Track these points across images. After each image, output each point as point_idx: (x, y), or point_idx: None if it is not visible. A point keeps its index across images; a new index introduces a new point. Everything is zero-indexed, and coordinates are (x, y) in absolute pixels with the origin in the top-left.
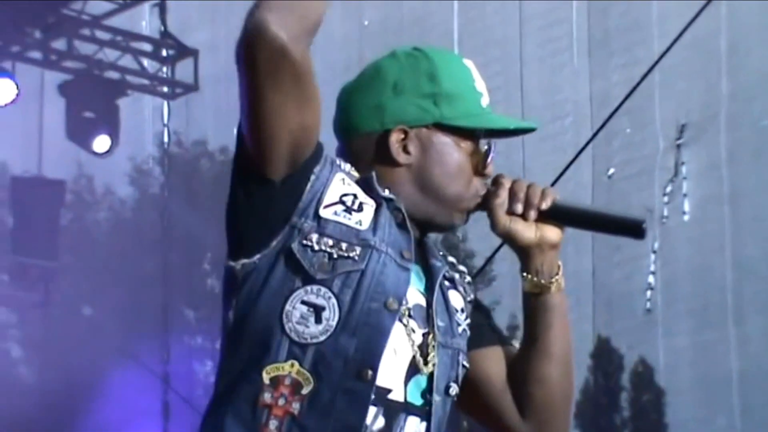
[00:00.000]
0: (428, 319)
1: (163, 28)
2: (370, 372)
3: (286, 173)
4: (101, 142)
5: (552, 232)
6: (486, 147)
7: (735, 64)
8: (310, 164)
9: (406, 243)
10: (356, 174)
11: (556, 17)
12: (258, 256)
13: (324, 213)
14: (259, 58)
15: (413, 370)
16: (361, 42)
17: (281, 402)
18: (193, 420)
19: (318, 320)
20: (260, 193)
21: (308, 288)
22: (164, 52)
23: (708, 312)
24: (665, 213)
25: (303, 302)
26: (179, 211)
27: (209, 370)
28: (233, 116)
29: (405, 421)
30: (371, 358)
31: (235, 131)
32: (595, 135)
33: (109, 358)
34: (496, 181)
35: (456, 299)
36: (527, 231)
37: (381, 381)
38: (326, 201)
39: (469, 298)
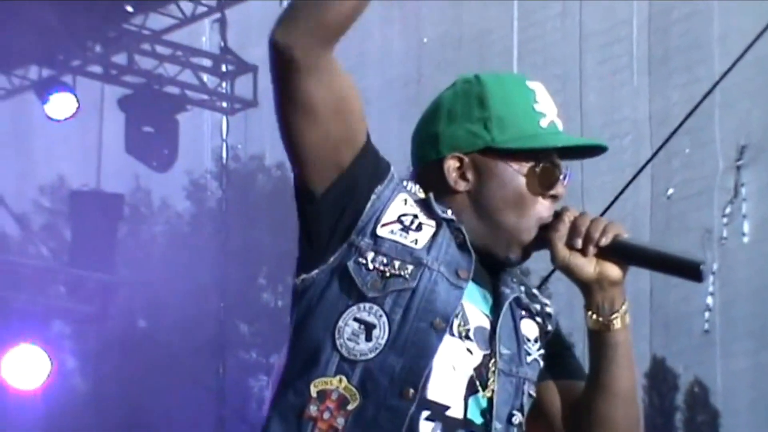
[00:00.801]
0: (491, 343)
1: (223, 44)
2: (411, 391)
3: (330, 184)
4: (160, 157)
5: (612, 270)
6: (548, 166)
7: None
8: (365, 182)
9: (465, 263)
10: (421, 195)
11: (616, 35)
12: (316, 271)
13: (381, 232)
14: (276, 75)
15: (472, 388)
16: (420, 59)
17: (326, 416)
18: None
19: (368, 338)
20: (311, 209)
21: (361, 305)
22: (224, 68)
23: (767, 333)
24: (724, 234)
25: (355, 319)
26: (236, 225)
27: (263, 384)
28: None
29: None
30: (414, 377)
31: None
32: (654, 155)
33: (164, 372)
34: (559, 214)
35: (529, 328)
36: (586, 266)
37: (438, 397)
38: (384, 220)
39: (546, 330)
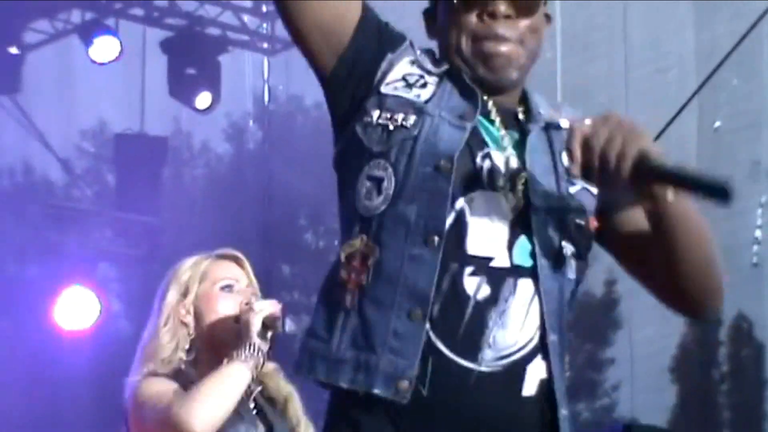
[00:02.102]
0: (518, 181)
1: None
2: (436, 238)
3: (335, 63)
4: (203, 99)
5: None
6: None
7: None
8: (380, 51)
9: (471, 108)
10: (430, 62)
11: None
12: (338, 148)
13: (384, 89)
14: None
15: (515, 232)
16: None
17: (353, 275)
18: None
19: (379, 192)
20: (327, 91)
21: (371, 163)
22: (264, 8)
23: None
24: None
25: (368, 177)
26: (277, 167)
27: (305, 325)
28: None
29: (515, 285)
30: (435, 223)
31: None
32: (700, 87)
33: None
34: (572, 130)
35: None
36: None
37: (478, 250)
38: (388, 79)
39: None
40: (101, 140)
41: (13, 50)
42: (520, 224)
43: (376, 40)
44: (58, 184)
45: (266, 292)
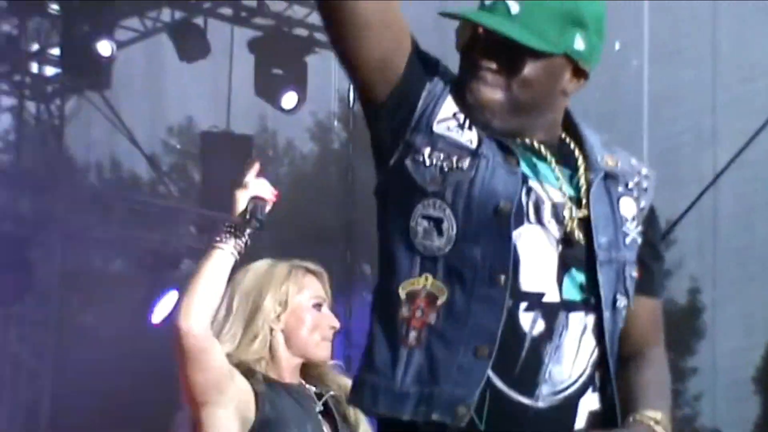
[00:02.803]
0: (586, 230)
1: None
2: (503, 277)
3: (388, 92)
4: (289, 99)
5: None
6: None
7: None
8: (416, 84)
9: (512, 150)
10: None
11: None
12: (383, 177)
13: (437, 128)
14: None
15: (564, 268)
16: None
17: (418, 314)
18: None
19: (440, 232)
20: (376, 119)
21: (425, 202)
22: None
23: None
24: None
25: (423, 216)
26: (361, 167)
27: None
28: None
29: (567, 319)
30: (501, 262)
31: None
32: None
33: None
34: None
35: (627, 207)
36: None
37: (531, 287)
38: (440, 116)
39: (641, 205)
40: (188, 137)
41: (104, 48)
42: (566, 257)
43: (423, 71)
44: (145, 181)
45: (348, 292)
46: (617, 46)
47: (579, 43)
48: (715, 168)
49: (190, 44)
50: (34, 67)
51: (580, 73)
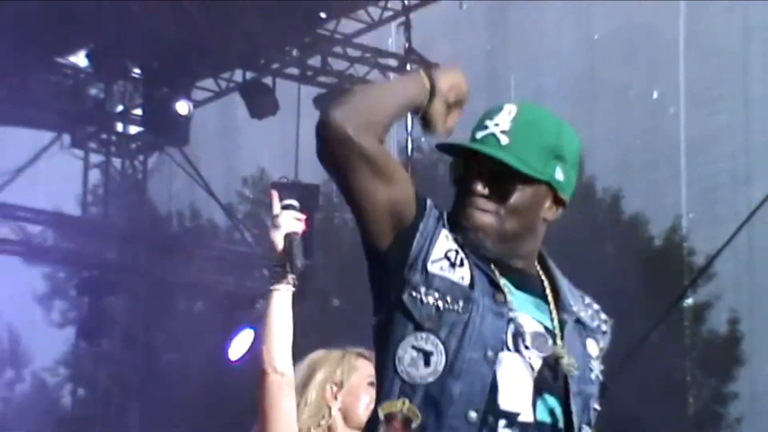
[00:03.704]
0: (553, 350)
1: (407, 45)
2: (474, 414)
3: (392, 241)
4: None
5: None
6: (452, 161)
7: None
8: (415, 219)
9: (498, 290)
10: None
11: None
12: (382, 317)
13: (431, 268)
14: (330, 150)
15: (537, 392)
16: (592, 54)
17: None
18: None
19: (427, 364)
20: (378, 262)
21: (418, 335)
22: (408, 67)
23: None
24: None
25: (413, 347)
26: None
27: None
28: (467, 123)
29: None
30: (476, 401)
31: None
32: None
33: (363, 346)
34: None
35: (592, 347)
36: None
37: (509, 406)
38: (433, 257)
39: (601, 345)
40: (260, 187)
41: (182, 107)
42: (540, 383)
43: (421, 215)
44: (222, 228)
45: None
46: (655, 95)
47: (559, 174)
48: (749, 206)
49: (261, 102)
50: (119, 127)
51: (558, 202)
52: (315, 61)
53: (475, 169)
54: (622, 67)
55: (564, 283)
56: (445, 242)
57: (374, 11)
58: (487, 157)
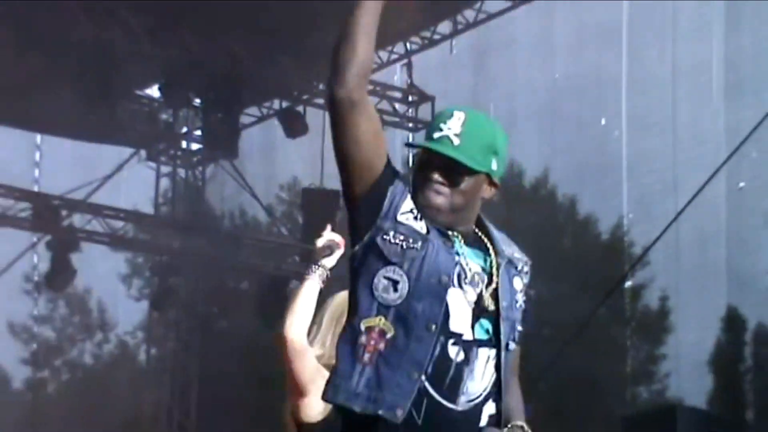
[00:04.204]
0: (487, 287)
1: (409, 80)
2: (434, 326)
3: (368, 189)
4: None
5: None
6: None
7: None
8: (385, 186)
9: (449, 239)
10: None
11: None
12: (358, 246)
13: (400, 218)
14: (337, 110)
15: (475, 317)
16: (554, 89)
17: (372, 342)
18: None
19: (395, 290)
20: (355, 206)
21: (388, 268)
22: (410, 98)
23: None
24: None
25: (385, 277)
26: None
27: None
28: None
29: (477, 351)
30: (434, 316)
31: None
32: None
33: None
34: None
35: (517, 283)
36: None
37: (456, 328)
38: (402, 210)
39: (525, 281)
40: (293, 192)
41: (234, 129)
42: (477, 311)
43: (390, 176)
44: (263, 224)
45: None
46: (603, 121)
47: (494, 165)
48: (676, 208)
49: (294, 125)
50: (184, 144)
51: (493, 184)
52: None
53: (434, 162)
54: (577, 99)
55: (498, 236)
56: (409, 203)
57: (383, 54)
58: (443, 154)
